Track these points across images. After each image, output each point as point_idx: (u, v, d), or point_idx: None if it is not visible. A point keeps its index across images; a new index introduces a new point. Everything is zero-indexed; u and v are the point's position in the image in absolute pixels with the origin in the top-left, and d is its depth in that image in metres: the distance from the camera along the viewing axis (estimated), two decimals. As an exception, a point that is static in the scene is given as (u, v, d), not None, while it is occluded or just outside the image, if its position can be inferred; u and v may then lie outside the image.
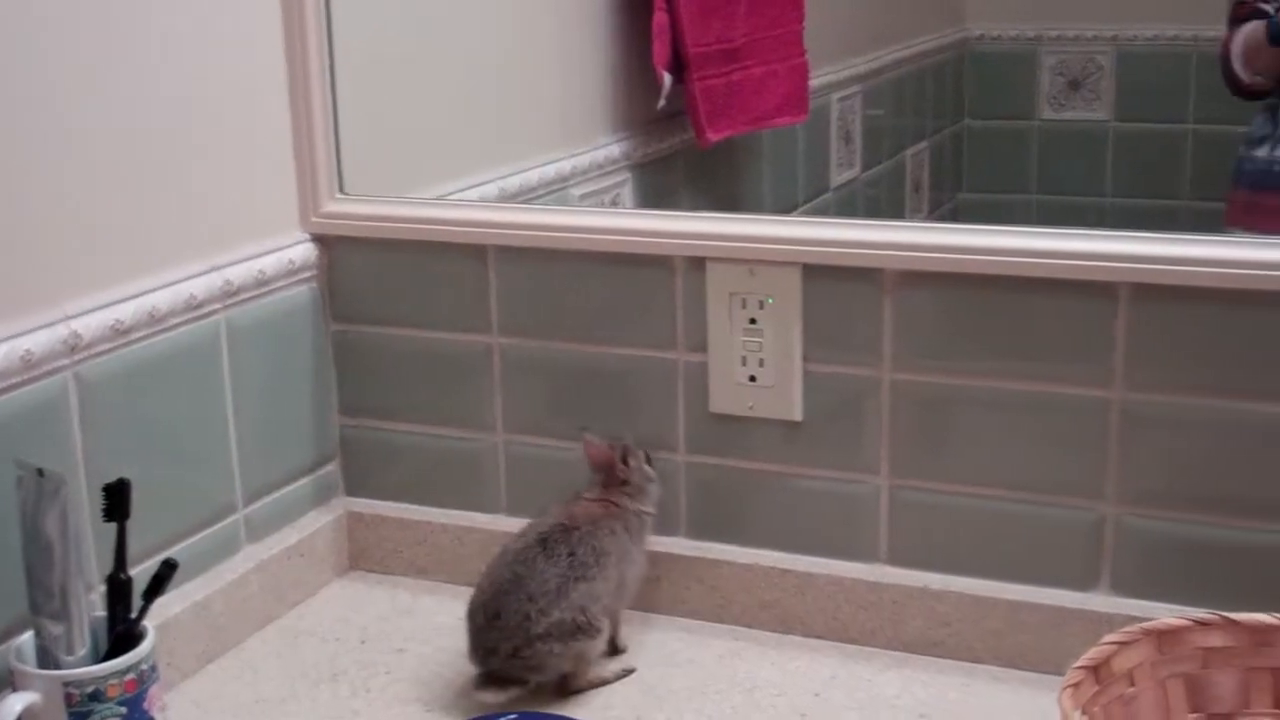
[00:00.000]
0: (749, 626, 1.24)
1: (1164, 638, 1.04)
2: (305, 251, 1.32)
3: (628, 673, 1.17)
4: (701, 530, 1.26)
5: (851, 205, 2.24)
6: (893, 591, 1.19)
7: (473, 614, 1.13)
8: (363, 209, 1.30)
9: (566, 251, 1.25)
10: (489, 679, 1.12)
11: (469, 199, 1.38)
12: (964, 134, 2.62)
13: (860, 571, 1.20)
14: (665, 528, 1.27)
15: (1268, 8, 1.66)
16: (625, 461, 1.19)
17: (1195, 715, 1.04)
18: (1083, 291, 1.11)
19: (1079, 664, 1.00)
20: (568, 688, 1.14)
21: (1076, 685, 0.98)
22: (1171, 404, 1.11)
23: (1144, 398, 1.11)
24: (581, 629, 1.12)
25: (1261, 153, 1.66)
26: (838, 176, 2.20)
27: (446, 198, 1.37)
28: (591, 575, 1.13)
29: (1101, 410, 1.13)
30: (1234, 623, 1.04)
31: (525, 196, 1.48)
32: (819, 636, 1.22)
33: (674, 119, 1.71)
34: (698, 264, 1.21)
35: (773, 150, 1.99)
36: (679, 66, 1.66)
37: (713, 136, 1.70)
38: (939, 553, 1.19)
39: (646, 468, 1.21)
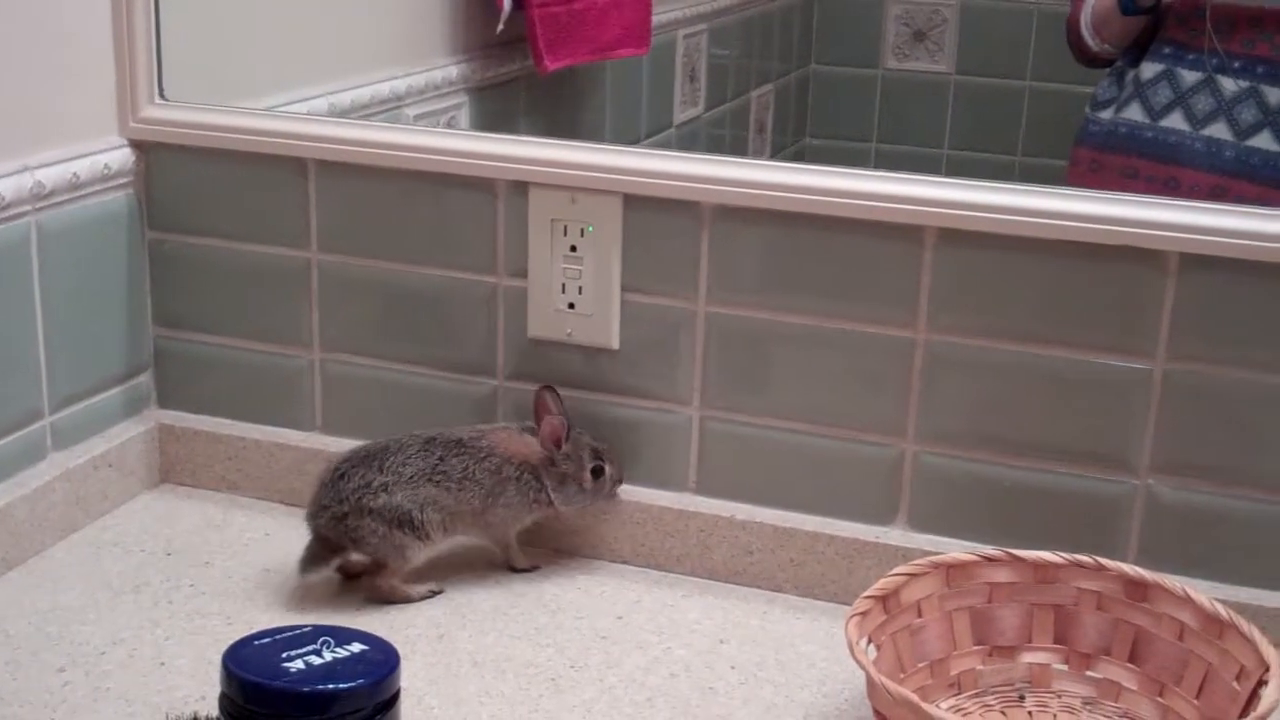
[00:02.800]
0: (558, 551, 1.25)
1: (952, 571, 1.08)
2: (122, 157, 1.29)
3: (434, 593, 1.17)
4: (516, 455, 1.27)
5: (694, 143, 2.24)
6: (700, 520, 1.21)
7: (327, 469, 1.16)
8: (182, 116, 1.28)
9: (389, 169, 1.24)
10: (311, 556, 1.16)
11: (297, 112, 1.35)
12: (810, 79, 2.64)
13: (669, 500, 1.23)
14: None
15: (1113, -25, 1.70)
16: (559, 444, 1.17)
17: (980, 647, 1.09)
18: (892, 234, 1.13)
19: (868, 594, 1.03)
20: (377, 591, 1.16)
21: (864, 614, 1.02)
22: (972, 347, 1.14)
23: (946, 340, 1.15)
24: (411, 525, 1.14)
25: (1106, 115, 1.70)
26: (681, 114, 2.21)
27: (274, 110, 1.34)
28: (448, 487, 1.15)
29: (907, 351, 1.16)
30: (1020, 559, 1.08)
31: (358, 114, 1.46)
32: (626, 562, 1.24)
33: (515, 45, 1.70)
34: (520, 189, 1.21)
35: (616, 83, 1.99)
36: (520, -7, 1.65)
37: (551, 65, 1.69)
38: (746, 484, 1.21)
39: (586, 474, 1.18)
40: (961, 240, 1.12)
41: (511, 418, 1.26)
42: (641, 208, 1.19)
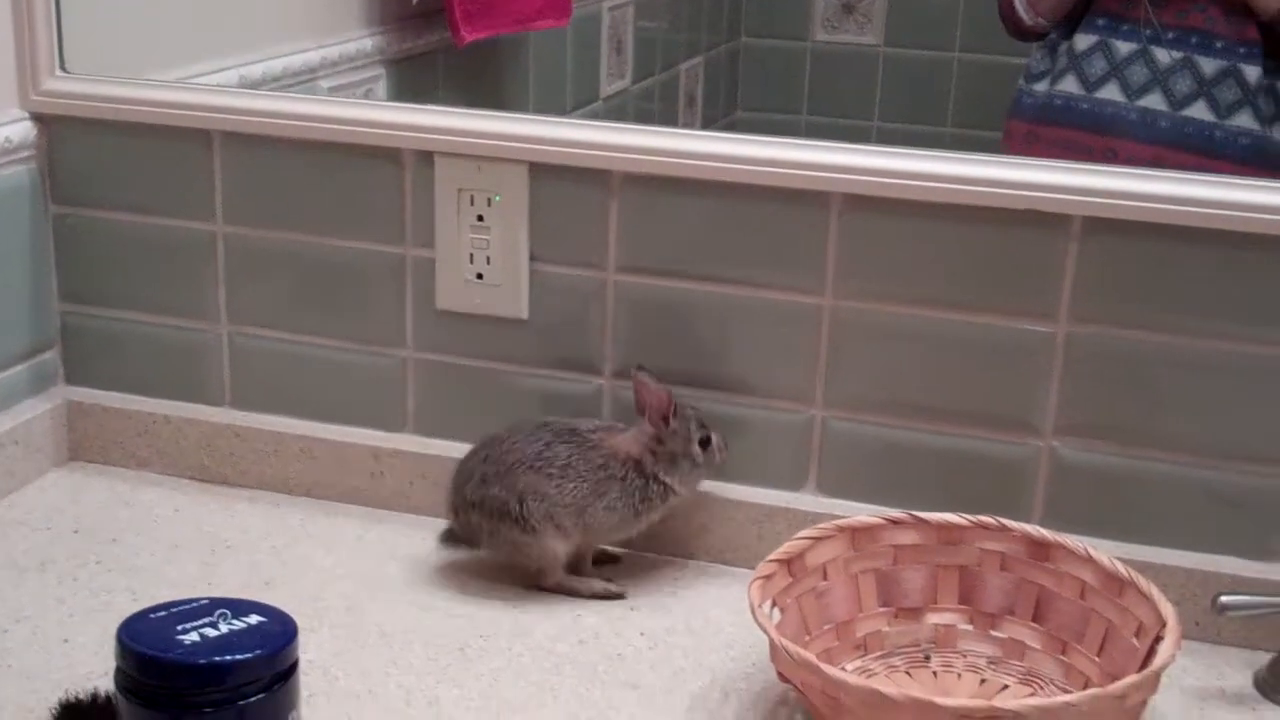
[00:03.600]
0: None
1: (857, 534, 1.08)
2: (23, 130, 1.27)
3: (612, 595, 1.15)
4: (428, 427, 1.26)
5: (622, 116, 2.24)
6: (613, 488, 1.21)
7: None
8: (84, 88, 1.26)
9: (293, 140, 1.23)
10: (446, 534, 1.16)
11: (201, 84, 1.34)
12: (740, 51, 2.64)
13: (579, 469, 1.22)
14: (391, 424, 1.27)
15: (1046, -51, 1.70)
16: (667, 420, 1.12)
17: (886, 609, 1.10)
18: (799, 200, 1.14)
19: (771, 558, 1.04)
20: (538, 582, 1.15)
21: (768, 578, 1.02)
22: (879, 313, 1.15)
23: (853, 305, 1.15)
24: (511, 516, 1.10)
25: (1041, 87, 1.70)
26: (608, 86, 2.20)
27: (181, 82, 1.33)
28: (550, 475, 1.10)
29: (815, 318, 1.16)
30: (924, 522, 1.09)
31: (270, 86, 1.44)
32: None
33: (434, 16, 1.69)
34: (426, 158, 1.20)
35: (539, 55, 1.98)
36: (436, -38, 1.64)
37: (468, 36, 1.68)
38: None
39: (695, 447, 1.13)
40: (866, 206, 1.13)
41: (422, 392, 1.26)
42: (549, 176, 1.18)
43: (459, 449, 1.24)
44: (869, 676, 1.07)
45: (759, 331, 1.17)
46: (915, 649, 1.09)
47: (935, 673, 1.08)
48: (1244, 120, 1.58)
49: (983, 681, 1.07)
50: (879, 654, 1.08)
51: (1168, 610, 0.97)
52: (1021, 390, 1.13)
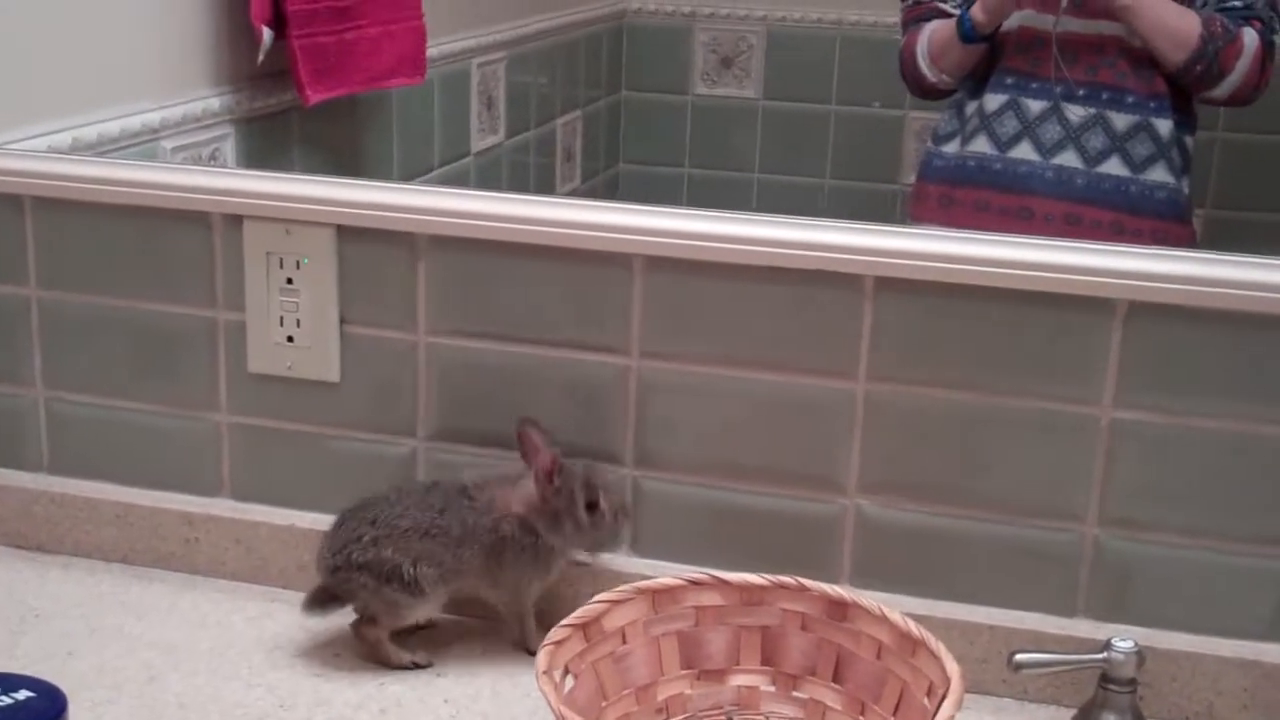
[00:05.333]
0: (286, 587, 1.23)
1: (658, 596, 1.08)
2: None
3: (419, 665, 1.13)
4: (243, 492, 1.25)
5: (495, 172, 2.24)
6: (426, 553, 1.20)
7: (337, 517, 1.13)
8: (-109, 153, 1.24)
9: (104, 205, 1.22)
10: (312, 597, 1.13)
11: (35, 149, 1.32)
12: (621, 105, 2.66)
13: (395, 533, 1.21)
14: (206, 489, 1.25)
15: (946, 6, 1.71)
16: (550, 477, 1.11)
17: (688, 671, 1.09)
18: (603, 262, 1.14)
19: (565, 622, 1.03)
20: (364, 641, 1.13)
21: (559, 643, 1.01)
22: (686, 373, 1.15)
23: (659, 365, 1.15)
24: (403, 580, 1.09)
25: (951, 148, 1.71)
26: (479, 142, 2.20)
27: (5, 146, 1.31)
28: (446, 544, 1.10)
29: (623, 378, 1.16)
30: (725, 582, 1.09)
31: (106, 148, 1.42)
32: (355, 597, 1.22)
33: (285, 74, 1.68)
34: (235, 222, 1.20)
35: (404, 112, 1.97)
36: (281, 22, 1.63)
37: (315, 96, 1.67)
38: (471, 514, 1.20)
39: (580, 510, 1.11)
40: (668, 268, 1.13)
41: (237, 456, 1.25)
42: (356, 239, 1.18)
43: (275, 514, 1.24)
44: (670, 740, 1.06)
45: (569, 393, 1.17)
46: (719, 711, 1.09)
47: (737, 735, 1.07)
48: (1158, 174, 1.60)
49: (783, 743, 1.06)
50: (682, 717, 1.08)
51: (953, 669, 0.97)
52: (827, 449, 1.14)
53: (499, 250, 1.15)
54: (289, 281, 1.19)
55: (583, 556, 1.17)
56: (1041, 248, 1.07)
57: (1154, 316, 1.06)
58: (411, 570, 1.09)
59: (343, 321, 1.20)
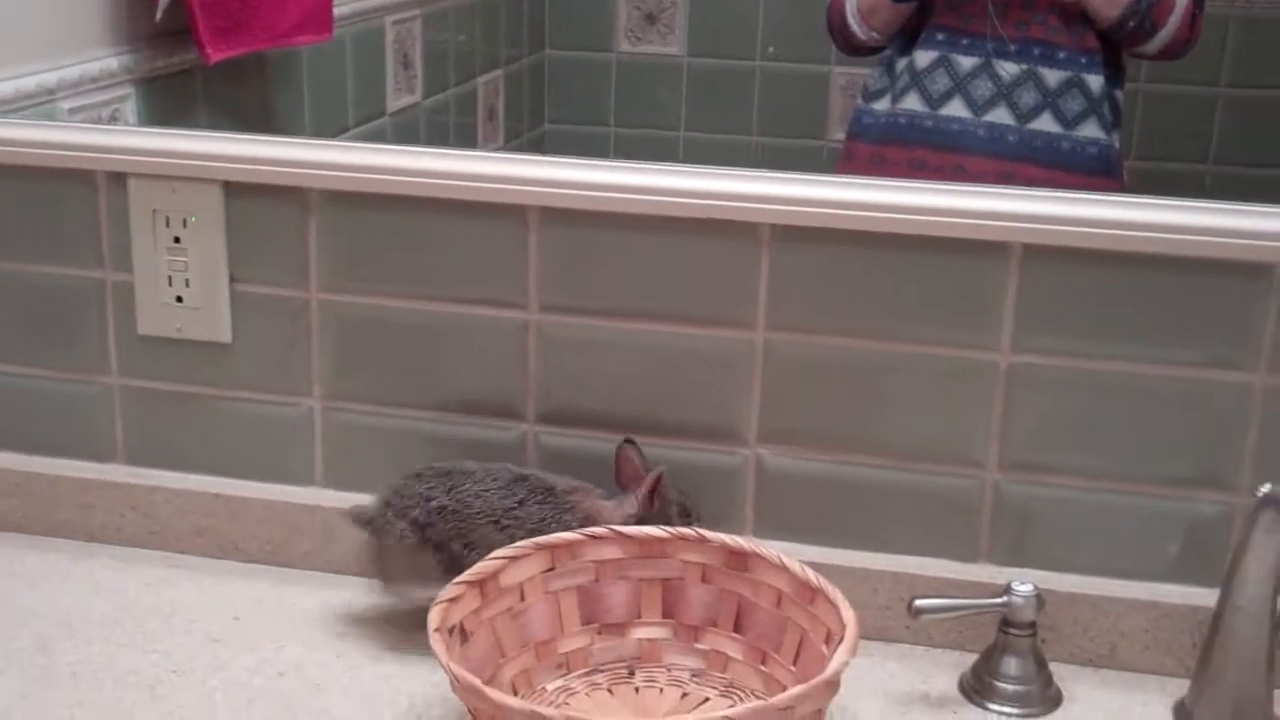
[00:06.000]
0: (184, 553, 1.22)
1: (556, 551, 1.07)
2: None
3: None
4: (137, 456, 1.23)
5: (413, 132, 2.21)
6: (325, 513, 1.19)
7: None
8: None
9: (-11, 165, 1.18)
10: (358, 515, 1.09)
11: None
12: (545, 64, 2.63)
13: (294, 494, 1.20)
14: (100, 455, 1.23)
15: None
16: (652, 500, 1.08)
17: (589, 626, 1.08)
18: (497, 214, 1.12)
19: (459, 580, 1.01)
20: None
21: (453, 600, 1.00)
22: (583, 325, 1.13)
23: (557, 320, 1.14)
24: (452, 557, 1.06)
25: (881, 106, 1.69)
26: (395, 102, 2.17)
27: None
28: (514, 536, 1.05)
29: (521, 332, 1.14)
30: (625, 536, 1.08)
31: (1, 110, 1.39)
32: (255, 561, 1.21)
33: (186, 33, 1.64)
34: (119, 180, 1.17)
35: (315, 71, 1.94)
36: (179, -21, 1.59)
37: (215, 55, 1.63)
38: (371, 474, 1.19)
39: (682, 519, 1.09)
40: (563, 219, 1.11)
41: (130, 421, 1.22)
42: (244, 195, 1.15)
43: (171, 478, 1.21)
44: (570, 695, 1.05)
45: (468, 349, 1.15)
46: (620, 665, 1.08)
47: (638, 688, 1.06)
48: (1090, 130, 1.59)
49: (684, 695, 1.06)
50: (582, 672, 1.07)
51: (848, 616, 0.96)
52: (727, 400, 1.13)
53: (392, 204, 1.13)
54: (176, 241, 1.16)
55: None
56: (935, 192, 1.06)
57: (1049, 260, 1.05)
58: (464, 554, 1.05)
59: (233, 280, 1.17)
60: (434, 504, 1.07)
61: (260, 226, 1.16)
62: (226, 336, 1.18)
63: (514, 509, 1.08)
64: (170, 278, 1.17)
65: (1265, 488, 0.98)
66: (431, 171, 1.12)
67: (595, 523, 1.08)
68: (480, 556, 1.03)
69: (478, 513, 1.07)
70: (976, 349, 1.08)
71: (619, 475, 1.11)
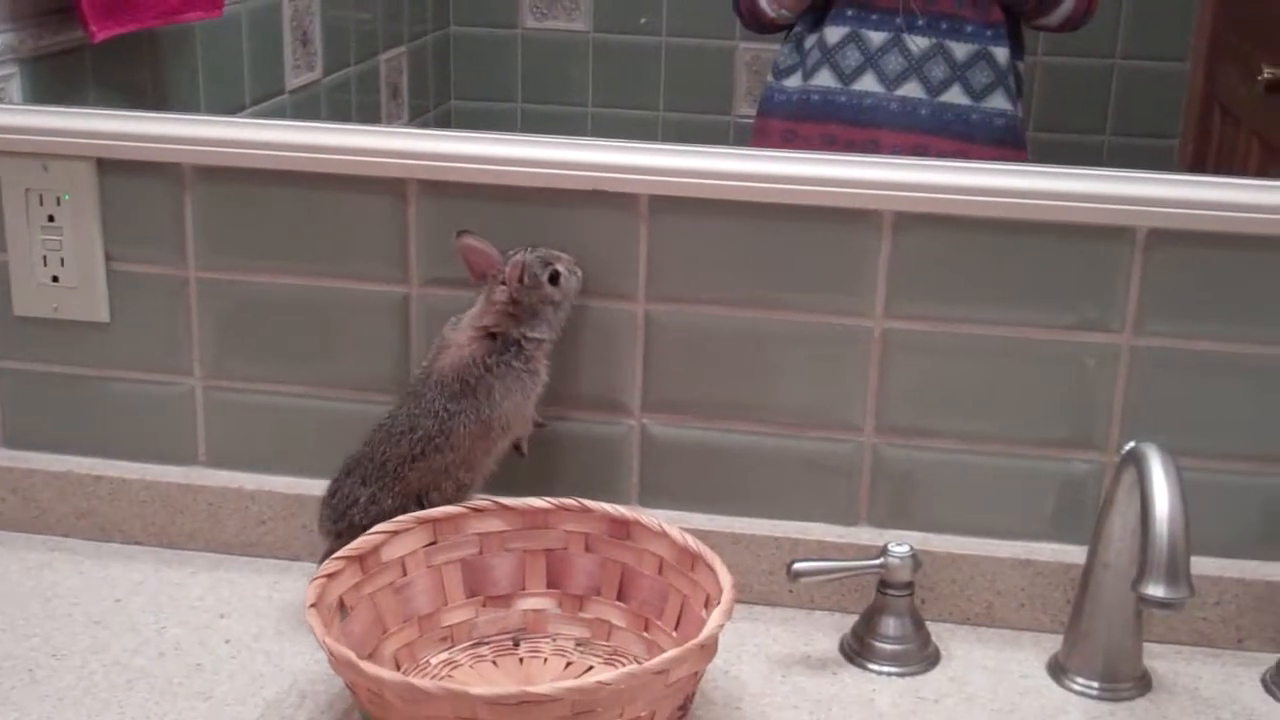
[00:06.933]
0: (66, 536, 1.20)
1: (439, 525, 1.07)
2: None
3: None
4: (15, 439, 1.21)
5: (314, 109, 2.18)
6: (209, 493, 1.18)
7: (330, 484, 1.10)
8: None
9: None
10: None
11: None
12: (449, 41, 2.61)
13: (176, 475, 1.19)
14: (-22, 438, 1.21)
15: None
16: (522, 276, 1.05)
17: (473, 599, 1.08)
18: (376, 188, 1.12)
19: (338, 555, 1.01)
20: None
21: (331, 575, 1.00)
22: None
23: (436, 292, 1.14)
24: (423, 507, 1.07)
25: (793, 83, 1.69)
26: (295, 79, 2.14)
27: None
28: (437, 449, 1.06)
29: (400, 308, 1.14)
30: (508, 508, 1.08)
31: (-124, 90, 1.36)
32: (138, 543, 1.20)
33: (72, 10, 1.61)
34: (-11, 159, 1.15)
35: (210, 48, 1.91)
36: (61, -45, 1.56)
37: (101, 33, 1.60)
38: (255, 453, 1.19)
39: (548, 288, 1.06)
40: (444, 192, 1.11)
41: (8, 403, 1.20)
42: (118, 172, 1.14)
43: (52, 461, 1.20)
44: (454, 668, 1.05)
45: (346, 323, 1.15)
46: (505, 637, 1.08)
47: (522, 659, 1.07)
48: (998, 101, 1.61)
49: (568, 664, 1.06)
50: (467, 645, 1.07)
51: (725, 580, 0.98)
52: (611, 371, 1.13)
53: (268, 180, 1.12)
54: (50, 219, 1.15)
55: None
56: (807, 162, 1.07)
57: (919, 226, 1.06)
58: (426, 498, 1.07)
59: (109, 259, 1.16)
60: (363, 500, 1.07)
61: (135, 204, 1.15)
62: (104, 316, 1.17)
63: (408, 433, 1.07)
64: (45, 257, 1.16)
65: (1129, 445, 1.00)
66: (307, 146, 1.11)
67: (459, 358, 1.06)
68: (438, 492, 1.07)
69: (396, 467, 1.07)
70: (852, 316, 1.09)
71: (471, 268, 1.08)
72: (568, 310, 1.09)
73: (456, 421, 1.06)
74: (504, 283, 1.06)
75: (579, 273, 1.09)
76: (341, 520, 1.07)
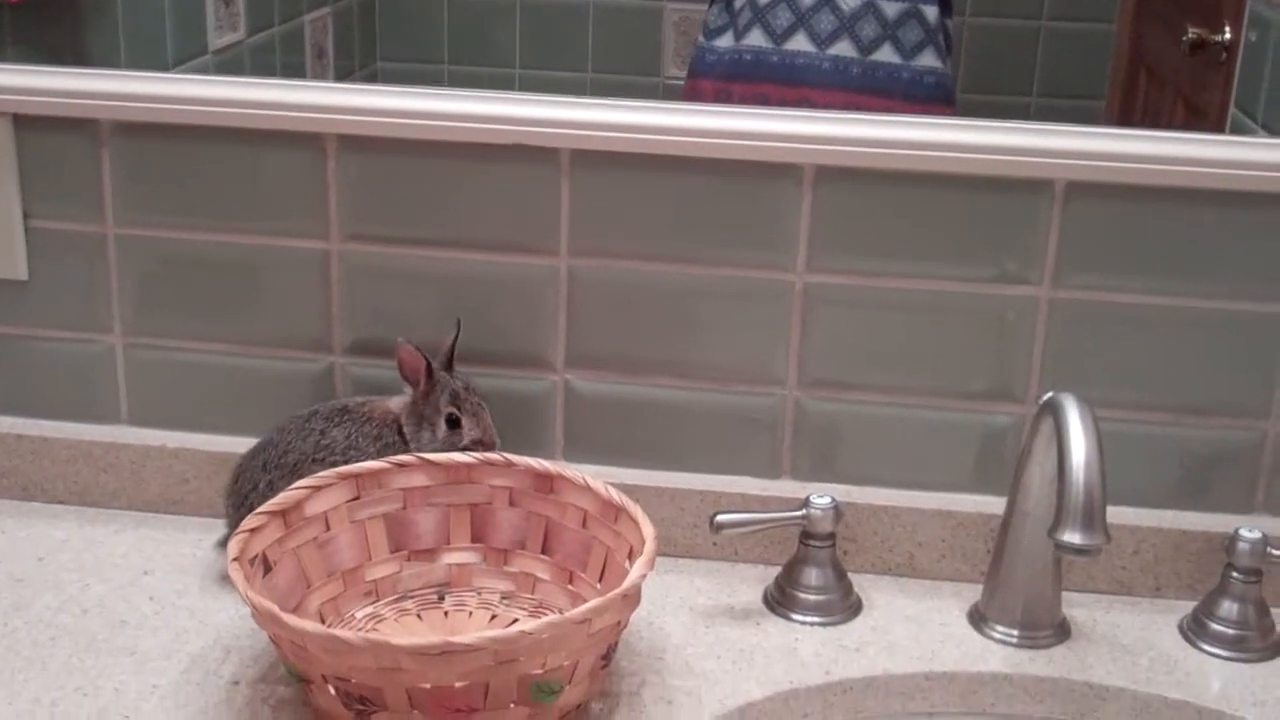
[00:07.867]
0: (-14, 493, 1.19)
1: (361, 480, 1.07)
2: None
3: None
4: (-66, 399, 1.20)
5: (238, 70, 2.15)
6: (132, 452, 1.17)
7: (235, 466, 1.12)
8: None
9: None
10: None
11: None
12: (375, 1, 2.58)
13: (99, 433, 1.18)
14: (-106, 398, 1.20)
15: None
16: (417, 381, 1.09)
17: (398, 554, 1.08)
18: (294, 143, 1.11)
19: (260, 510, 1.01)
20: None
21: (254, 530, 1.00)
22: (385, 254, 1.13)
23: (359, 249, 1.14)
24: None
25: (724, 43, 1.69)
26: (218, 39, 2.11)
27: None
28: (331, 461, 1.08)
29: (321, 262, 1.14)
30: (432, 463, 1.08)
31: None
32: (61, 502, 1.19)
33: (-13, -32, 1.58)
34: (-98, 115, 1.13)
35: (131, 7, 1.88)
36: (-27, -91, 1.53)
37: (15, -9, 1.58)
38: (177, 411, 1.18)
39: (441, 421, 1.09)
40: (366, 147, 1.11)
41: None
42: (35, 128, 1.13)
43: (-27, 422, 1.19)
44: (379, 622, 1.06)
45: (267, 280, 1.15)
46: (429, 590, 1.09)
47: (447, 613, 1.07)
48: (928, 59, 1.61)
49: (493, 617, 1.07)
50: (391, 599, 1.08)
51: (648, 531, 0.98)
52: (534, 326, 1.14)
53: (186, 135, 1.11)
54: (-34, 176, 1.13)
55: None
56: (727, 115, 1.08)
57: (840, 180, 1.07)
58: None
59: (27, 216, 1.14)
60: (262, 485, 1.08)
61: (53, 160, 1.13)
62: (23, 274, 1.15)
63: (320, 440, 1.09)
64: (-40, 215, 1.14)
65: (1046, 395, 1.02)
66: (225, 100, 1.10)
67: (386, 418, 1.10)
68: None
69: (296, 463, 1.08)
70: (773, 269, 1.10)
71: (402, 371, 1.10)
72: (446, 449, 1.09)
73: (362, 453, 1.09)
74: (415, 381, 1.09)
75: (489, 436, 1.10)
76: (243, 507, 1.07)
